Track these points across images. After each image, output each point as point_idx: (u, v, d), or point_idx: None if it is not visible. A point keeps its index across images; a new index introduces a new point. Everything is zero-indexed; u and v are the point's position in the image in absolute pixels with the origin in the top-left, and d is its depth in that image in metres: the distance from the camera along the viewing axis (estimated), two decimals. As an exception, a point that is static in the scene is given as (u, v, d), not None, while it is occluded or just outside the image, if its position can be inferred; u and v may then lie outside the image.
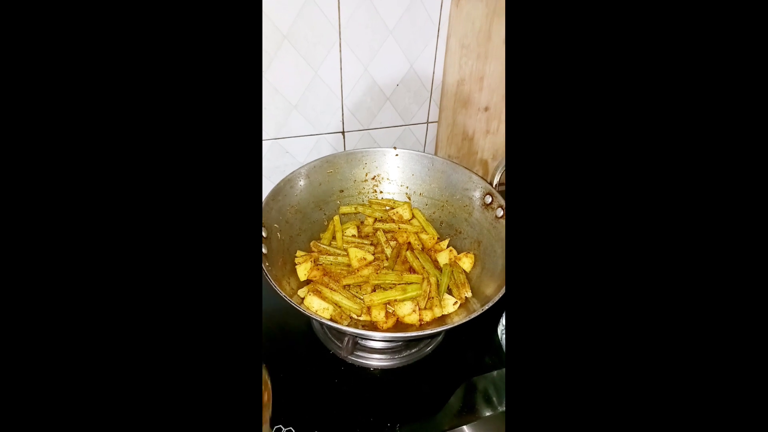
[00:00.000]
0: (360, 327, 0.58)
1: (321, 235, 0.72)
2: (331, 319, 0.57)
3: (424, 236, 0.72)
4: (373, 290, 0.62)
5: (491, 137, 0.92)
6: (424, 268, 0.66)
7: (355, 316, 0.59)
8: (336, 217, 0.73)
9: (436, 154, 0.91)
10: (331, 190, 0.74)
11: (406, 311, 0.59)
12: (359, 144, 0.85)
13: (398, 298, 0.59)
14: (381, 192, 0.77)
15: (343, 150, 0.83)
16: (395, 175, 0.76)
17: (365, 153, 0.74)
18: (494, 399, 0.58)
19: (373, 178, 0.76)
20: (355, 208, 0.75)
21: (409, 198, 0.76)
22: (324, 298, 0.59)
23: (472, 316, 0.50)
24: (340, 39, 0.72)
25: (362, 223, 0.75)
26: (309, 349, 0.63)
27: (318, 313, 0.57)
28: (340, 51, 0.73)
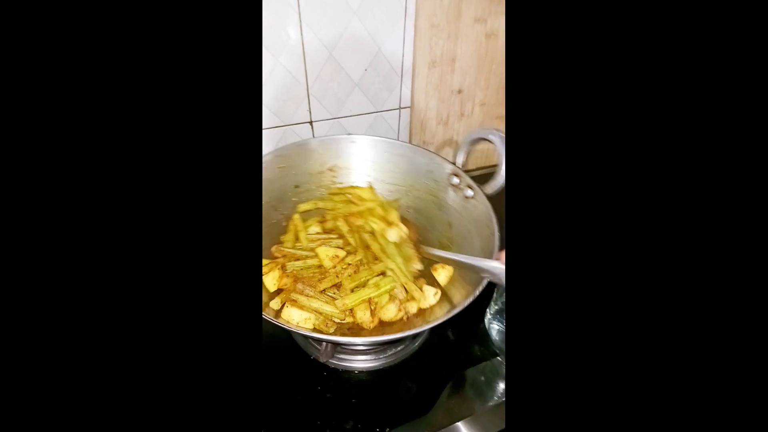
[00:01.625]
0: (345, 330, 0.54)
1: (282, 238, 0.66)
2: (314, 330, 0.52)
3: (379, 212, 0.67)
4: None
5: (466, 120, 0.89)
6: (385, 252, 0.62)
7: (338, 320, 0.55)
8: (295, 216, 0.68)
9: (410, 140, 0.87)
10: (285, 186, 0.67)
11: (391, 314, 0.55)
12: (330, 133, 0.80)
13: (373, 295, 0.56)
14: (340, 183, 0.71)
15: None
16: (354, 164, 0.70)
17: (318, 143, 0.68)
18: (487, 391, 0.56)
19: (329, 169, 0.70)
20: (315, 203, 0.69)
21: (371, 186, 0.72)
22: (302, 307, 0.54)
23: (456, 310, 0.47)
24: (300, 22, 0.67)
25: (324, 218, 0.70)
26: (287, 355, 0.59)
27: (300, 325, 0.52)
28: (302, 35, 0.68)
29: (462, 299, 0.49)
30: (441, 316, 0.47)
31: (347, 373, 0.57)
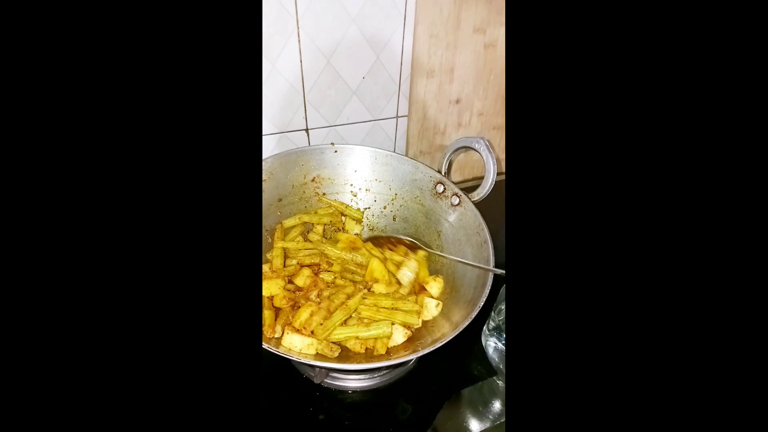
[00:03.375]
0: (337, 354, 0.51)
1: (267, 255, 0.63)
2: (317, 356, 0.50)
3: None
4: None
5: (463, 130, 0.88)
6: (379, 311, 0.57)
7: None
8: (277, 233, 0.64)
9: (407, 150, 0.86)
10: (268, 200, 0.64)
11: (398, 340, 0.53)
12: (326, 141, 0.79)
13: (360, 335, 0.52)
14: (324, 194, 0.69)
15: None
16: (337, 174, 0.69)
17: (300, 153, 0.65)
18: (484, 412, 0.55)
19: (312, 180, 0.68)
20: (299, 218, 0.66)
21: (355, 195, 0.70)
22: (302, 332, 0.51)
23: (463, 325, 0.46)
24: (298, 28, 0.65)
25: (309, 232, 0.68)
26: (278, 374, 0.57)
27: (302, 352, 0.49)
28: (299, 41, 0.66)
29: (459, 313, 0.48)
30: (449, 333, 0.45)
31: (341, 393, 0.55)
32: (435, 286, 0.59)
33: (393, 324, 0.53)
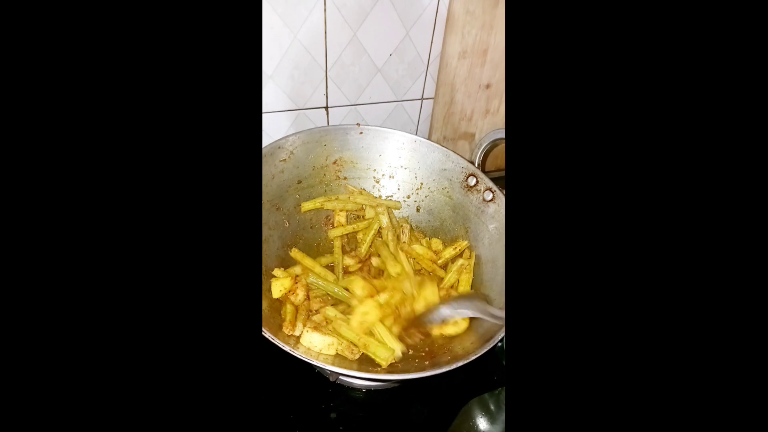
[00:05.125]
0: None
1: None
2: (337, 355, 0.47)
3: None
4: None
5: (491, 117, 0.83)
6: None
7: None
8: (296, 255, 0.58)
9: (429, 134, 0.81)
10: (286, 182, 0.59)
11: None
12: (346, 121, 0.74)
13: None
14: (345, 178, 0.64)
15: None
16: (360, 157, 0.64)
17: (324, 133, 0.60)
18: (502, 421, 0.52)
19: (334, 163, 0.63)
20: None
21: (378, 182, 0.66)
22: (322, 329, 0.47)
23: (492, 342, 0.43)
24: (325, -4, 0.60)
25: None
26: (289, 367, 0.55)
27: (323, 353, 0.46)
28: (325, 11, 0.61)
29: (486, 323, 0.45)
30: (472, 351, 0.42)
31: (354, 392, 0.53)
32: (465, 279, 0.56)
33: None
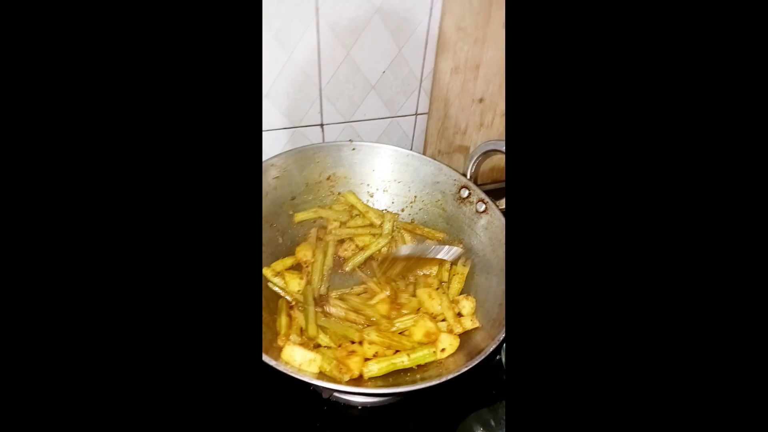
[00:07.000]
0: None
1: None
2: (320, 375, 0.45)
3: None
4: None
5: (485, 131, 0.83)
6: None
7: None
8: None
9: (424, 149, 0.82)
10: (280, 199, 0.60)
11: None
12: (341, 138, 0.75)
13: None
14: (338, 194, 0.65)
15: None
16: (353, 173, 0.65)
17: (316, 150, 0.61)
18: (500, 437, 0.51)
19: (328, 179, 0.64)
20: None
21: (372, 196, 0.66)
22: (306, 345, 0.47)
23: (488, 350, 0.42)
24: (317, 16, 0.61)
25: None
26: (285, 386, 0.54)
27: (302, 368, 0.44)
28: (318, 31, 0.62)
29: (481, 334, 0.45)
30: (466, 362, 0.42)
31: (349, 409, 0.52)
32: (467, 305, 0.55)
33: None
